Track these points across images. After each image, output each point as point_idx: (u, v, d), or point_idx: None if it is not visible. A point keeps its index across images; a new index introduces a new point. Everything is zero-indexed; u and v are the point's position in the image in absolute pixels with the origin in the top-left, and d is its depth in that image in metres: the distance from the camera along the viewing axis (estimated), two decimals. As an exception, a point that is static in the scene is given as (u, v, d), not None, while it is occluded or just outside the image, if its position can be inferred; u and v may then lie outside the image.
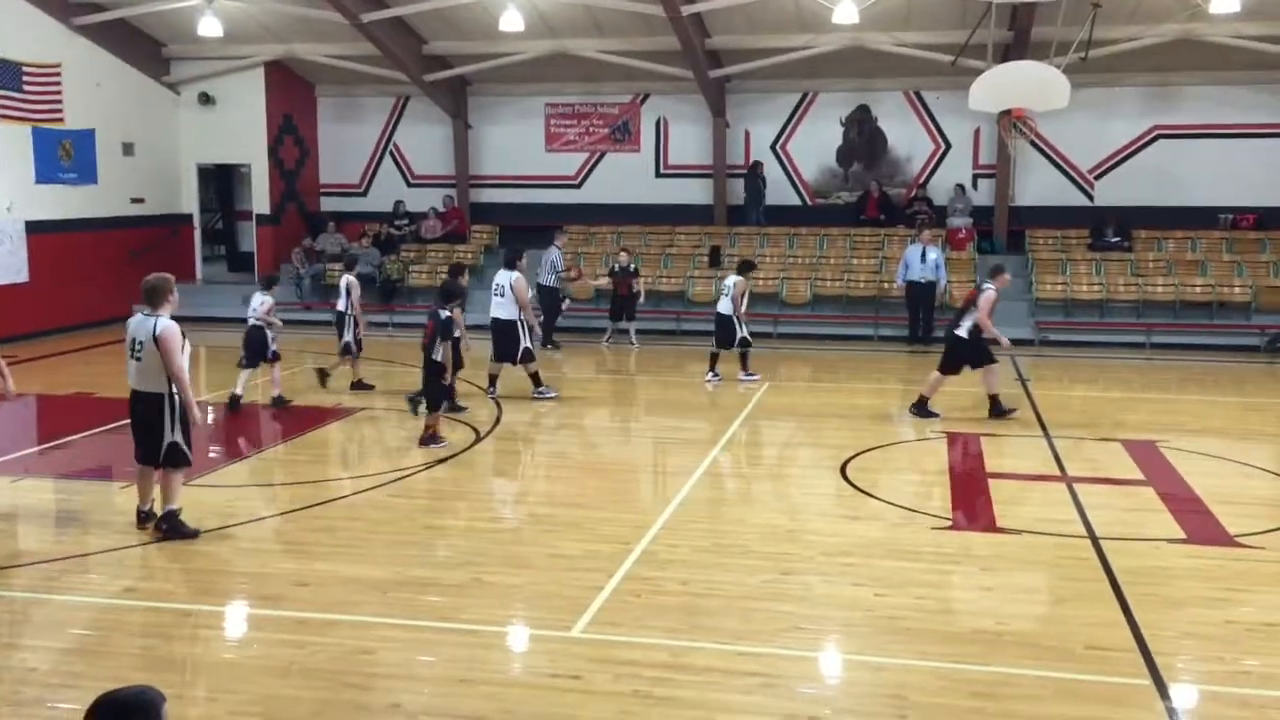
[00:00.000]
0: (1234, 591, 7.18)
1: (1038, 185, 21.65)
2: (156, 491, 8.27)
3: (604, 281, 19.50)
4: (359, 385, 14.43)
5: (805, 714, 5.47)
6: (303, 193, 24.29)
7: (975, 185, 21.90)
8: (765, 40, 20.83)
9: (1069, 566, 7.70)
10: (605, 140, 23.31)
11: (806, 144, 22.49)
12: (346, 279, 14.57)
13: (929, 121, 22.02)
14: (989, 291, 12.63)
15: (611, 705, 5.53)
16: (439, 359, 11.34)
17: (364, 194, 24.55)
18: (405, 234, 23.29)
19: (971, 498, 9.60)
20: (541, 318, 17.30)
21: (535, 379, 13.86)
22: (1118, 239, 20.65)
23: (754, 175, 22.38)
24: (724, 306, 15.17)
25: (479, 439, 11.75)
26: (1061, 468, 10.58)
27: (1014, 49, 18.84)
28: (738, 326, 15.02)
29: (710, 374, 15.17)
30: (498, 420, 12.73)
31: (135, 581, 7.49)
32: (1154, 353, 18.54)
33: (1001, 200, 21.62)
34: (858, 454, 10.97)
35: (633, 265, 19.12)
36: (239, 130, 22.76)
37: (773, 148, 22.66)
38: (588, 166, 23.47)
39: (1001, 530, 8.56)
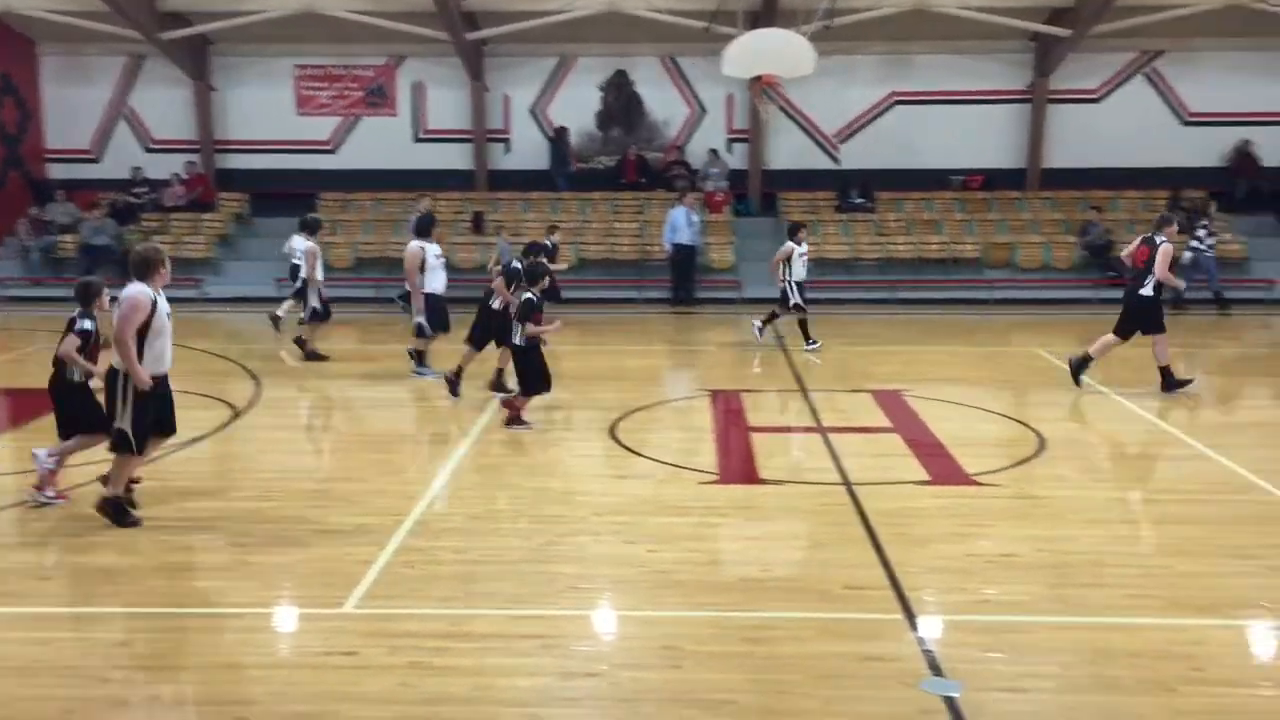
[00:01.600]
0: (974, 527, 7.73)
1: (788, 149, 22.51)
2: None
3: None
4: (314, 355, 14.24)
5: (583, 671, 5.55)
6: (26, 159, 22.48)
7: (730, 149, 22.56)
8: (522, 3, 20.72)
9: (827, 512, 8.10)
10: (360, 104, 22.65)
11: (566, 108, 22.56)
12: (305, 245, 14.34)
13: (685, 87, 22.48)
14: (1164, 245, 11.95)
15: (389, 679, 5.45)
16: (520, 342, 10.56)
17: (97, 160, 22.96)
18: (145, 202, 21.95)
19: (735, 452, 9.94)
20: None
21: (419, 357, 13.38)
22: (862, 200, 21.76)
23: (559, 140, 22.27)
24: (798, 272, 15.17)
25: (237, 415, 11.26)
26: (817, 419, 11.09)
27: (763, 17, 19.45)
28: (791, 292, 15.12)
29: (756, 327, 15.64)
30: (257, 395, 12.22)
31: None
32: (897, 308, 19.69)
33: (754, 164, 22.37)
34: (626, 414, 11.16)
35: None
36: (-52, 91, 20.86)
37: (532, 112, 22.61)
38: (342, 131, 22.75)
39: (764, 482, 8.91)
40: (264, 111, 22.62)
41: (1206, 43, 21.43)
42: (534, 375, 10.68)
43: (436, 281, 12.88)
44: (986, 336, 16.81)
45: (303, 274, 14.44)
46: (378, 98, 22.60)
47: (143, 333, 7.47)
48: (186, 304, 20.15)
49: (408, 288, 13.19)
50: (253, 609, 6.38)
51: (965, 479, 8.94)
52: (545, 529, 7.68)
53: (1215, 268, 19.35)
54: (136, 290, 7.49)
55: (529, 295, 10.56)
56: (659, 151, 22.74)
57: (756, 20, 19.47)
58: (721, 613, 6.27)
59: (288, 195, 21.96)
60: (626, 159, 22.46)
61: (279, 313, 16.03)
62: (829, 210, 21.79)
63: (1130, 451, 10.27)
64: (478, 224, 20.81)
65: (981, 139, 22.25)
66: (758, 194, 22.54)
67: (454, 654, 5.74)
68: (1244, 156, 21.81)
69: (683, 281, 19.89)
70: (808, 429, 10.75)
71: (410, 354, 13.26)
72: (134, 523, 7.67)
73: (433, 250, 12.88)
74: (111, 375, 7.54)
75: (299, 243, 14.64)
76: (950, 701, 5.20)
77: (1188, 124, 22.08)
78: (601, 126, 22.73)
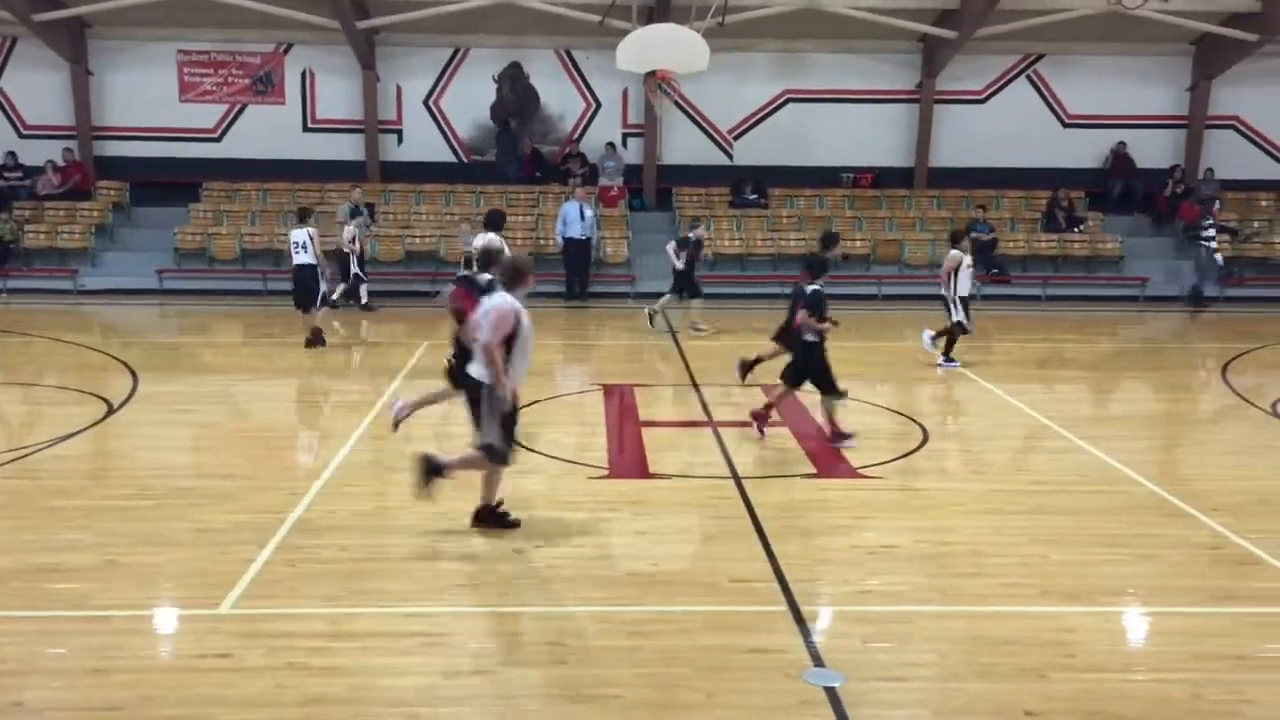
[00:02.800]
0: (858, 519, 7.86)
1: (682, 145, 22.60)
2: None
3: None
4: (319, 337, 14.55)
5: (468, 669, 5.48)
6: (-115, 143, 21.42)
7: (625, 144, 22.55)
8: (414, -8, 20.44)
9: (715, 506, 8.15)
10: (246, 91, 22.05)
11: (460, 101, 22.30)
12: (306, 230, 14.55)
13: (580, 80, 22.40)
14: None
15: (264, 680, 5.31)
16: (812, 339, 9.92)
17: (-36, 146, 21.94)
18: (18, 190, 21.08)
19: (626, 447, 9.94)
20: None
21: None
22: (755, 196, 21.95)
23: (506, 131, 21.96)
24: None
25: (112, 410, 10.88)
26: (708, 414, 11.16)
27: (657, 12, 19.48)
28: (954, 308, 13.50)
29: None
30: (134, 390, 11.83)
31: None
32: (789, 303, 19.88)
33: (649, 159, 22.41)
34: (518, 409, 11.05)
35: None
36: None
37: (425, 103, 22.30)
38: (228, 119, 22.13)
39: (654, 476, 8.93)
40: (145, 98, 21.85)
41: (1085, 47, 22.12)
42: (828, 373, 9.96)
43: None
44: (874, 332, 17.11)
45: (301, 259, 14.53)
46: (265, 85, 22.03)
47: (508, 345, 7.15)
48: (61, 296, 19.50)
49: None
50: (123, 611, 6.16)
51: (851, 472, 9.08)
52: (433, 525, 7.57)
53: (1212, 266, 20.25)
54: (503, 301, 7.16)
55: (815, 288, 9.97)
56: (554, 145, 22.64)
57: (651, 15, 19.50)
58: (608, 607, 6.26)
59: (170, 184, 21.33)
60: (522, 152, 22.31)
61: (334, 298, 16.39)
62: (723, 206, 21.94)
63: (1009, 444, 10.54)
64: (370, 215, 20.44)
65: (871, 137, 22.63)
66: (653, 189, 22.59)
67: (334, 654, 5.63)
68: (1119, 158, 22.58)
69: (577, 275, 19.84)
70: (699, 423, 10.81)
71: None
72: (514, 524, 7.52)
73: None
74: (477, 387, 7.23)
75: (298, 234, 14.65)
76: (831, 692, 5.27)
77: (1068, 126, 22.76)
78: (496, 119, 22.52)
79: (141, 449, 9.94)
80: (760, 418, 10.05)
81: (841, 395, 9.97)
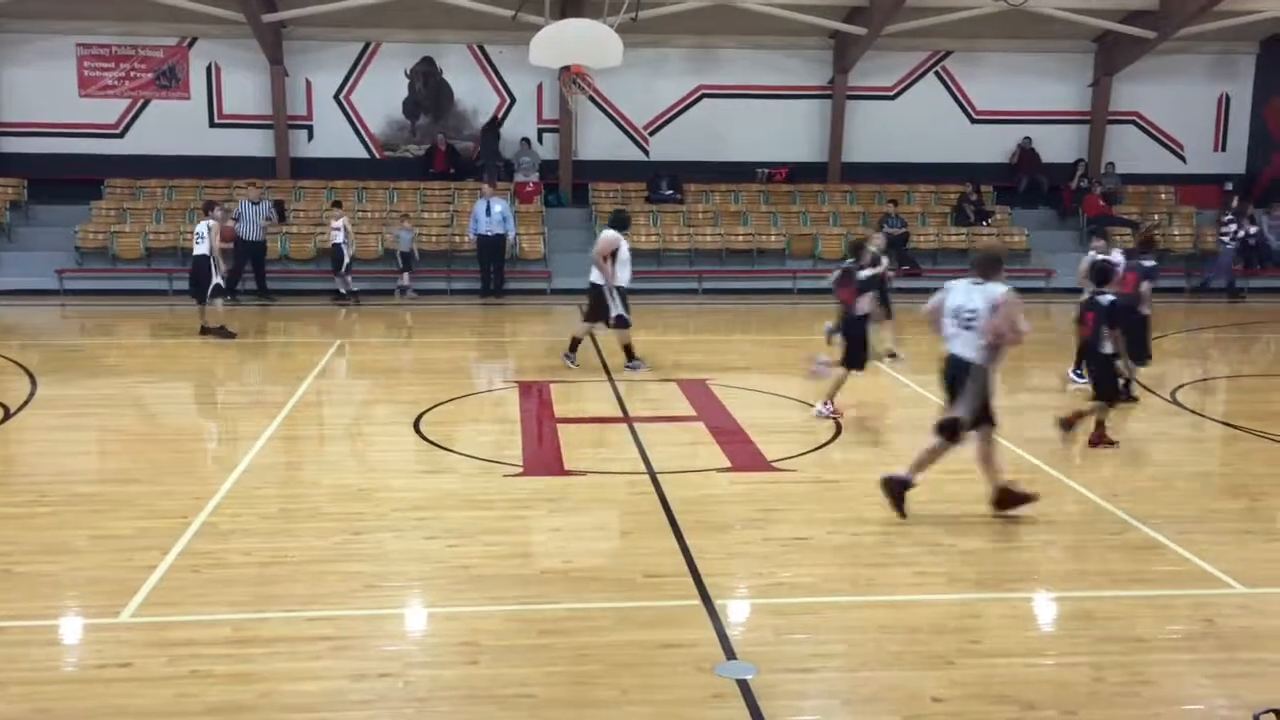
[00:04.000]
0: (771, 511, 7.91)
1: (598, 140, 22.59)
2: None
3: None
4: (222, 331, 14.78)
5: (376, 672, 5.40)
6: None
7: (540, 139, 22.45)
8: (322, -15, 20.12)
9: (630, 502, 8.14)
10: (149, 86, 21.52)
11: (371, 95, 22.04)
12: (205, 223, 14.86)
13: (493, 75, 22.26)
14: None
15: (166, 690, 5.17)
16: (1110, 351, 9.71)
17: None
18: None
19: (541, 444, 9.89)
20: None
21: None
22: (671, 192, 22.02)
23: (491, 128, 21.60)
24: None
25: (9, 415, 10.54)
26: (624, 409, 11.16)
27: (570, 7, 19.42)
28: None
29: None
30: (32, 393, 11.47)
31: None
32: (705, 298, 20.03)
33: (565, 154, 22.35)
34: (432, 407, 10.97)
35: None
36: None
37: (336, 98, 21.97)
38: (130, 114, 21.58)
39: (569, 473, 8.89)
40: (44, 92, 21.22)
41: (991, 44, 22.57)
42: (1113, 386, 9.99)
43: (626, 274, 12.73)
44: (790, 325, 17.27)
45: (200, 250, 14.82)
46: (168, 80, 21.51)
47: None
48: (-44, 297, 18.83)
49: (594, 279, 12.81)
50: (19, 621, 5.96)
51: (765, 465, 9.14)
52: (342, 527, 7.46)
53: (1229, 260, 20.89)
54: (1007, 291, 7.48)
55: (1110, 297, 9.76)
56: (469, 141, 22.45)
57: (564, 10, 19.43)
58: (521, 606, 6.22)
59: (70, 181, 20.73)
60: (436, 148, 22.09)
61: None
62: (639, 201, 21.96)
63: (920, 436, 10.66)
64: (280, 213, 20.09)
65: (785, 133, 22.84)
66: (569, 184, 22.53)
67: (238, 660, 5.50)
68: (1026, 153, 23.08)
69: (490, 272, 19.71)
70: (615, 419, 10.80)
71: (624, 350, 12.98)
72: (1033, 497, 7.78)
73: (625, 244, 12.76)
74: (966, 367, 7.53)
75: (199, 226, 14.96)
76: (743, 684, 5.29)
77: (976, 121, 23.20)
78: (408, 114, 22.28)
79: (40, 454, 9.64)
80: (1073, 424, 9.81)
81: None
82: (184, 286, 16.41)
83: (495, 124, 22.11)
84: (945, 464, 9.35)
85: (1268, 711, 4.38)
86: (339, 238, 18.45)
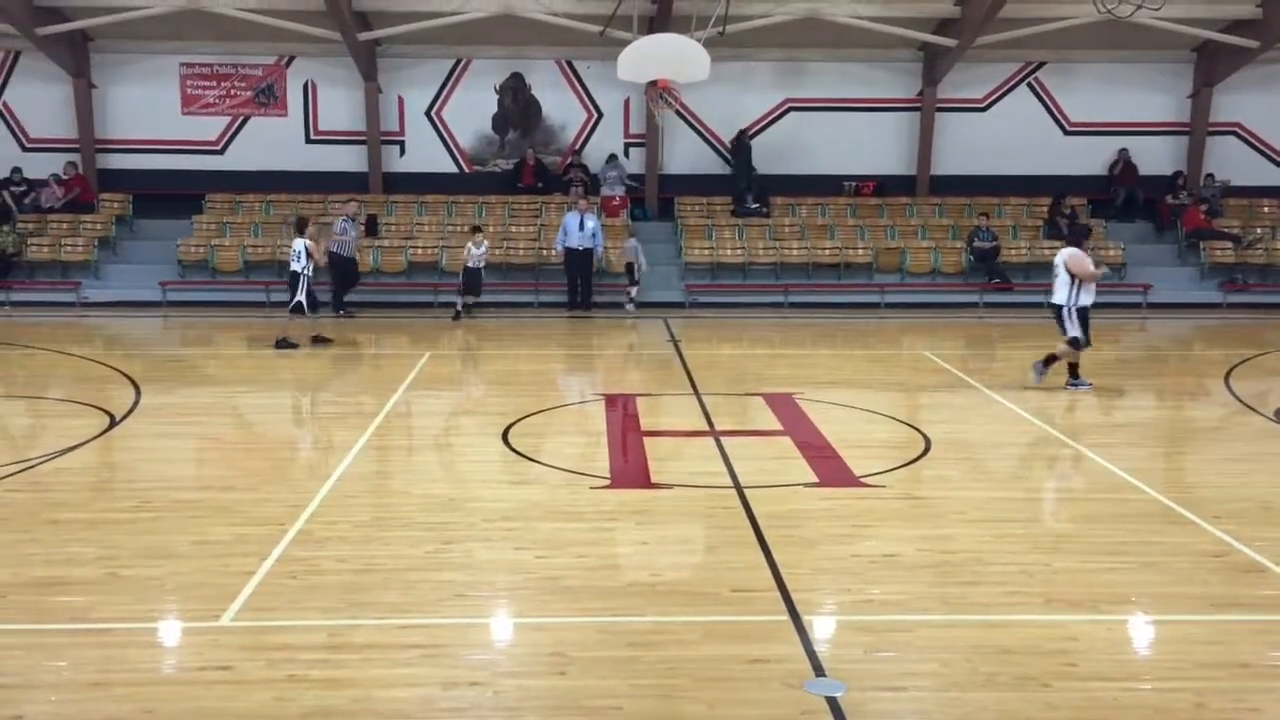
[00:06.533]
0: (859, 528, 7.83)
1: (684, 154, 22.64)
2: None
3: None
4: (284, 343, 15.35)
5: (466, 680, 5.47)
6: (-104, 158, 21.49)
7: (627, 154, 22.59)
8: (415, 3, 20.50)
9: (717, 516, 8.13)
10: (249, 104, 22.13)
11: (461, 111, 22.37)
12: (300, 242, 15.38)
13: (581, 90, 22.45)
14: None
15: (265, 693, 5.30)
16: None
17: (-32, 160, 22.02)
18: (24, 203, 21.14)
19: (628, 456, 9.92)
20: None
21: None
22: (757, 205, 21.96)
23: (741, 143, 21.94)
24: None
25: (115, 423, 10.89)
26: (710, 423, 11.14)
27: (657, 22, 19.54)
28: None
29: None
30: (136, 402, 11.84)
31: None
32: (791, 312, 19.93)
33: (651, 168, 22.44)
34: (520, 419, 11.07)
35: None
36: None
37: (427, 114, 22.36)
38: (231, 131, 22.21)
39: (656, 486, 8.90)
40: (148, 110, 21.95)
41: (1086, 55, 22.14)
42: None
43: (1089, 295, 12.62)
44: (877, 340, 17.10)
45: (295, 267, 15.36)
46: (267, 97, 22.11)
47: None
48: (64, 309, 19.55)
49: (1054, 299, 12.72)
50: (124, 624, 6.15)
51: (853, 480, 9.06)
52: (433, 536, 7.57)
53: None
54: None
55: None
56: (556, 155, 22.67)
57: (652, 25, 19.55)
58: (609, 618, 6.24)
59: (173, 196, 21.40)
60: (524, 162, 22.36)
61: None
62: (725, 215, 21.96)
63: (1012, 452, 10.50)
64: (371, 228, 20.51)
65: (873, 145, 22.65)
66: (654, 199, 22.61)
67: (334, 666, 5.61)
68: (1126, 165, 22.57)
69: (579, 285, 19.84)
70: (701, 433, 10.79)
71: (1059, 363, 12.93)
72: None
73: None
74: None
75: (298, 244, 15.46)
76: (833, 702, 5.24)
77: (1069, 133, 22.77)
78: (498, 129, 22.58)
79: (143, 461, 9.95)
80: None
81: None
82: (282, 298, 16.81)
83: (744, 139, 22.02)
84: (1033, 483, 9.21)
85: None
86: (478, 263, 18.53)
